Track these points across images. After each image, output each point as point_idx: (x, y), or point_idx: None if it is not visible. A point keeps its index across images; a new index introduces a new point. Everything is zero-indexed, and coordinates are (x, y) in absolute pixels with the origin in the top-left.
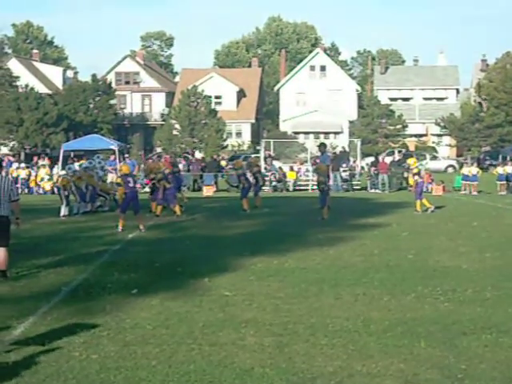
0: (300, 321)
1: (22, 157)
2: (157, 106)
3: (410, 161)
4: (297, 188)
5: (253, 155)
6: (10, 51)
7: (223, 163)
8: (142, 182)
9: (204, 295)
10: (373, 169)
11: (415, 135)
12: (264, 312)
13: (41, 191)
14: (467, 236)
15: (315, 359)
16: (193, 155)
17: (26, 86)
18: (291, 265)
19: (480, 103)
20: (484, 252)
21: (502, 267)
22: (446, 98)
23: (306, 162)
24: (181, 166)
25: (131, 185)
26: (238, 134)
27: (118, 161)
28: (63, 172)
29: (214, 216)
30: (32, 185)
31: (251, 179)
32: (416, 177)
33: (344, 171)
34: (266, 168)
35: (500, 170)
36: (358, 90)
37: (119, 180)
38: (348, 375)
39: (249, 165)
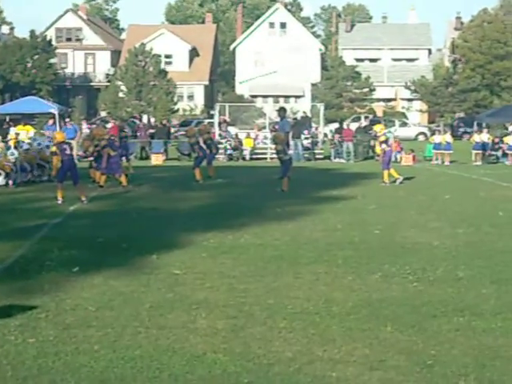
0: (256, 302)
1: None
2: (101, 66)
3: (377, 127)
4: (254, 157)
5: (206, 120)
6: None
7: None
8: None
9: (151, 273)
10: (337, 136)
11: (383, 99)
12: (217, 292)
13: None
14: (439, 210)
15: (273, 344)
16: (140, 120)
17: None
18: (247, 241)
19: (454, 61)
20: (457, 227)
21: (475, 244)
22: (416, 59)
23: (265, 128)
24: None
25: (68, 152)
26: (190, 97)
27: (57, 126)
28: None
29: (164, 187)
30: None
31: (205, 147)
32: (383, 145)
33: (306, 139)
34: (220, 135)
35: (476, 137)
36: (321, 50)
37: (54, 148)
38: (308, 361)
39: (199, 131)
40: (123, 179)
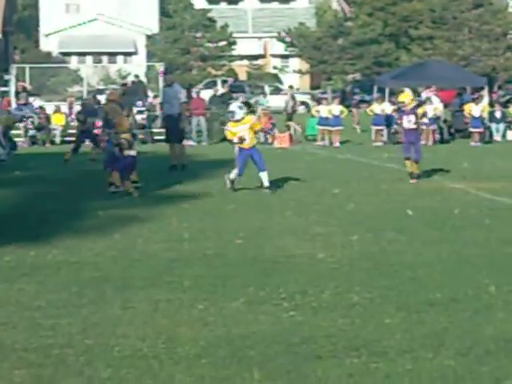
0: (70, 343)
1: None
2: None
3: (404, 97)
4: (68, 139)
5: None
6: None
7: None
8: None
9: None
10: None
11: (247, 57)
12: (14, 331)
13: None
14: (325, 209)
15: None
16: None
17: None
18: (57, 257)
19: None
20: (350, 233)
21: (375, 256)
22: (292, 0)
23: (82, 98)
24: None
25: None
26: None
27: None
28: None
29: None
30: None
31: None
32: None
33: (139, 112)
34: (18, 108)
35: (376, 108)
36: None
37: None
38: None
39: None
40: None
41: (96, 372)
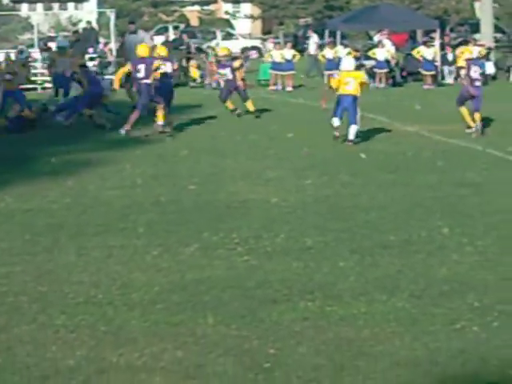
0: (23, 290)
1: None
2: None
3: (464, 52)
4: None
5: None
6: None
7: None
8: None
9: None
10: None
11: (199, 2)
12: None
13: None
14: (278, 154)
15: (47, 348)
16: None
17: None
18: (10, 205)
19: None
20: (303, 177)
21: (329, 199)
22: None
23: (33, 46)
24: None
25: None
26: None
27: None
28: None
29: None
30: None
31: None
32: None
33: (91, 59)
34: None
35: (328, 53)
36: None
37: None
38: (98, 370)
39: None
40: None
41: (50, 319)
